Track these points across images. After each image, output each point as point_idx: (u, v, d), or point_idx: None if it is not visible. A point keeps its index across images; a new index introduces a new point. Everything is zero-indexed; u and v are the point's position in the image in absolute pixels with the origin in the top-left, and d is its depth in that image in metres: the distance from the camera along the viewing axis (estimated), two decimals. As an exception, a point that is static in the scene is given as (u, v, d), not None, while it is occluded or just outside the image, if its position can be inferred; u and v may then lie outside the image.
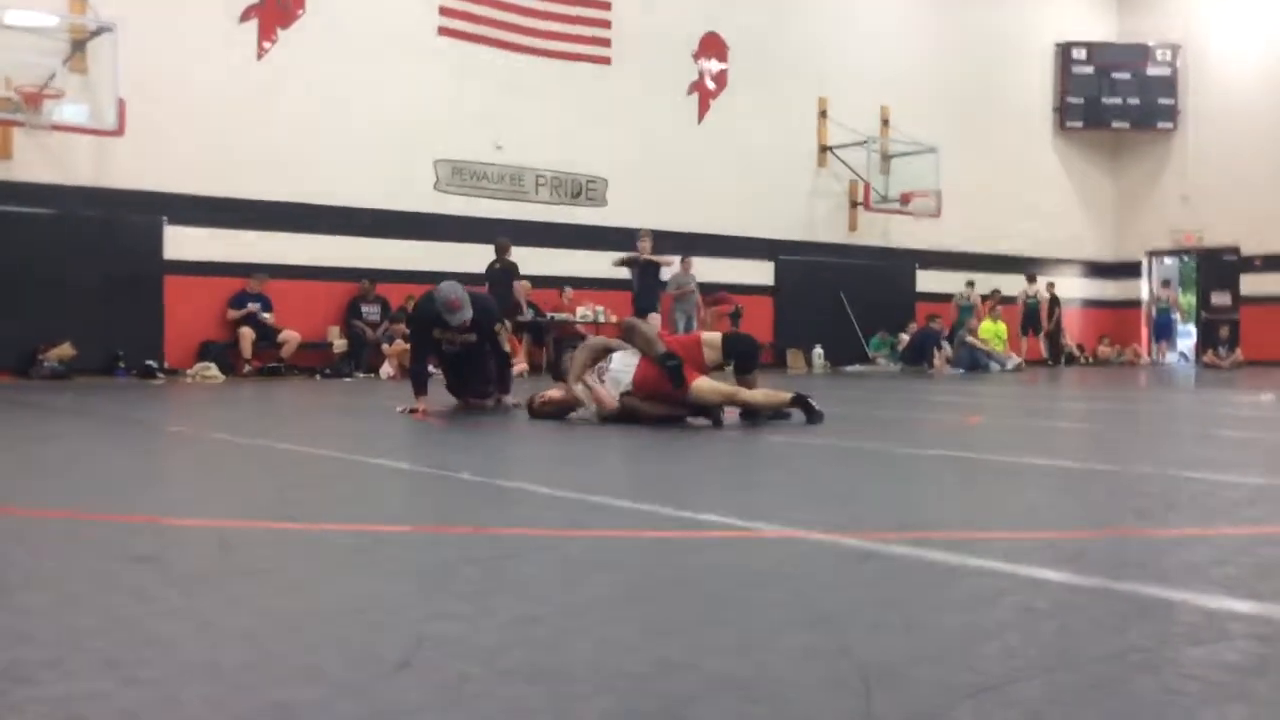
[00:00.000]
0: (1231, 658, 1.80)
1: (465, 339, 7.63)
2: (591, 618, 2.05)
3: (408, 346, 14.29)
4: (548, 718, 1.49)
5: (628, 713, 1.51)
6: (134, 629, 1.98)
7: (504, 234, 15.33)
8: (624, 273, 15.48)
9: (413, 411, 7.23)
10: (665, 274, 15.66)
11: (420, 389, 7.56)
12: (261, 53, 14.57)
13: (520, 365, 15.09)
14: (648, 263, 15.21)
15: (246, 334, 14.00)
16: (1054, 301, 21.35)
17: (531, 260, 15.95)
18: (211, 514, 3.32)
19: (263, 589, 2.31)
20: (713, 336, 6.78)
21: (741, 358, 6.70)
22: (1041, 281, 21.43)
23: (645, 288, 15.16)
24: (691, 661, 1.75)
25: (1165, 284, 22.57)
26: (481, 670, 1.70)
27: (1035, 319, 21.13)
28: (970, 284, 20.59)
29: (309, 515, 3.34)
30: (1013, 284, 21.26)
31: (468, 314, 7.42)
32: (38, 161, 13.18)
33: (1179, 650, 1.87)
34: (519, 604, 2.15)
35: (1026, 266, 21.72)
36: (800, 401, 6.39)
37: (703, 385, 6.27)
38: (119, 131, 13.29)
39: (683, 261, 16.78)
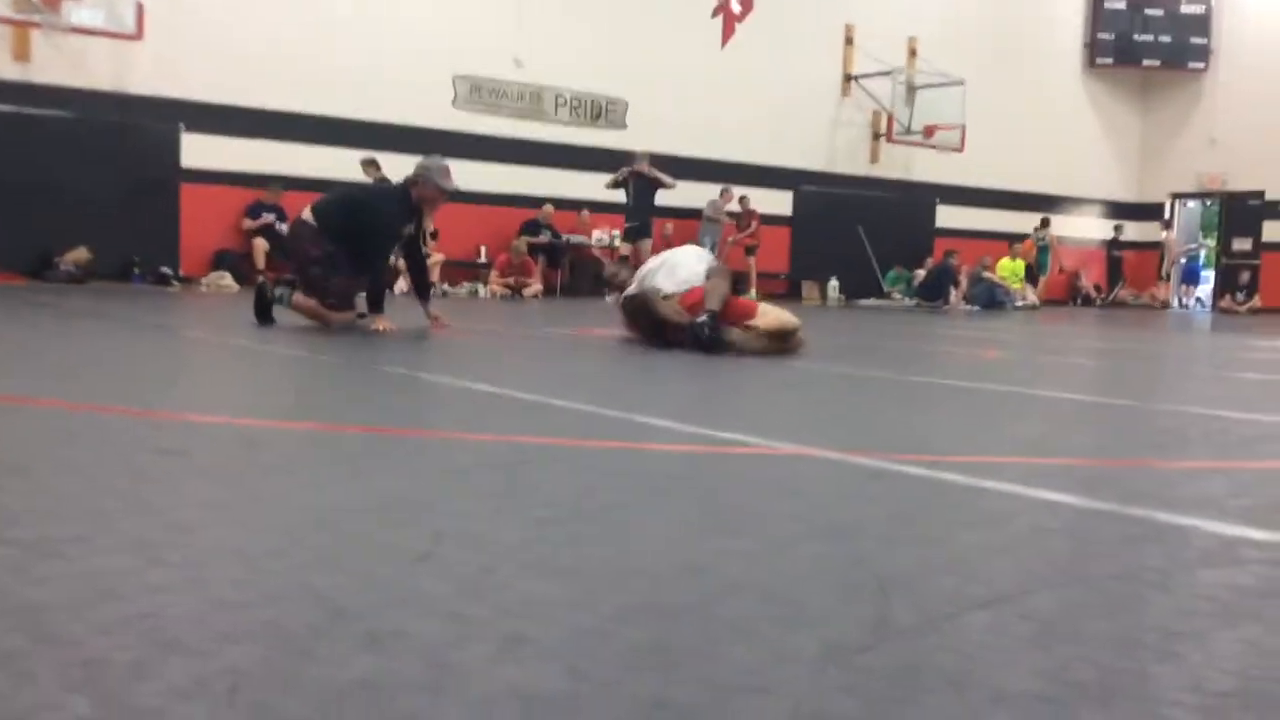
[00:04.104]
0: (1245, 581, 1.81)
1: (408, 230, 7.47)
2: (610, 522, 2.08)
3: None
4: (568, 610, 1.51)
5: (649, 608, 1.53)
6: (162, 514, 2.00)
7: (522, 154, 15.26)
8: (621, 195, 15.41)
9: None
10: (661, 195, 15.37)
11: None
12: (282, -40, 14.38)
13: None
14: (648, 179, 15.01)
15: (260, 245, 13.99)
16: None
17: (549, 182, 15.89)
18: (234, 413, 3.35)
19: (287, 485, 2.34)
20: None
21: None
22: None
23: (639, 205, 15.13)
24: (710, 565, 1.77)
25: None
26: (502, 565, 1.73)
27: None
28: (1045, 222, 20.56)
29: (327, 417, 3.37)
30: (1031, 223, 21.21)
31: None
32: (56, 64, 13.11)
33: (1192, 572, 1.88)
34: (537, 507, 2.17)
35: (1049, 205, 21.58)
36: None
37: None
38: (138, 35, 13.20)
39: (724, 193, 17.12)
